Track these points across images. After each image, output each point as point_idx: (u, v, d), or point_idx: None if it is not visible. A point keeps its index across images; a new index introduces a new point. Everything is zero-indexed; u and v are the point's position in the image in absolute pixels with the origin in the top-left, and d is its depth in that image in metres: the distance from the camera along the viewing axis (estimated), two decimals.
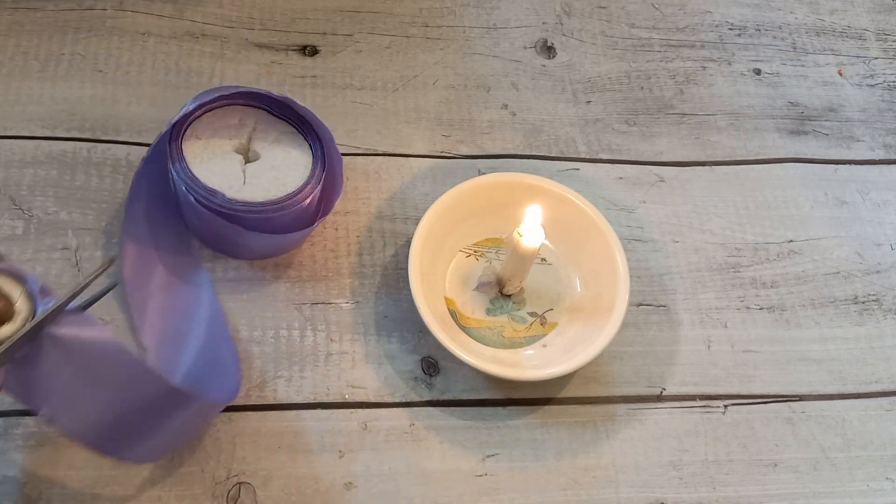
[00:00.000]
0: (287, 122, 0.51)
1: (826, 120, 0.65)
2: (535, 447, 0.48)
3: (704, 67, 0.66)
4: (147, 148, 0.49)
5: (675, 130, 0.62)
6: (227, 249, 0.51)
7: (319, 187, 0.50)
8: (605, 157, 0.60)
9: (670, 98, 0.64)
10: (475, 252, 0.54)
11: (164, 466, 0.44)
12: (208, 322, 0.47)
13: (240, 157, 0.49)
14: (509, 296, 0.52)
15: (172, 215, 0.51)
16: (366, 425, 0.47)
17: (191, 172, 0.47)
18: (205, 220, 0.48)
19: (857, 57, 0.69)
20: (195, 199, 0.47)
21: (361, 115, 0.58)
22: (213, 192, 0.47)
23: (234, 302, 0.50)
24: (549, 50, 0.64)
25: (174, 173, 0.48)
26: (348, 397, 0.48)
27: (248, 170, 0.49)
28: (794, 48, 0.69)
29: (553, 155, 0.59)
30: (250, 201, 0.47)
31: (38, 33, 0.57)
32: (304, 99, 0.58)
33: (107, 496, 0.43)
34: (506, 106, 0.61)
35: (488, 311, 0.52)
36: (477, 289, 0.52)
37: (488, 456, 0.48)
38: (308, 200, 0.49)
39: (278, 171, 0.49)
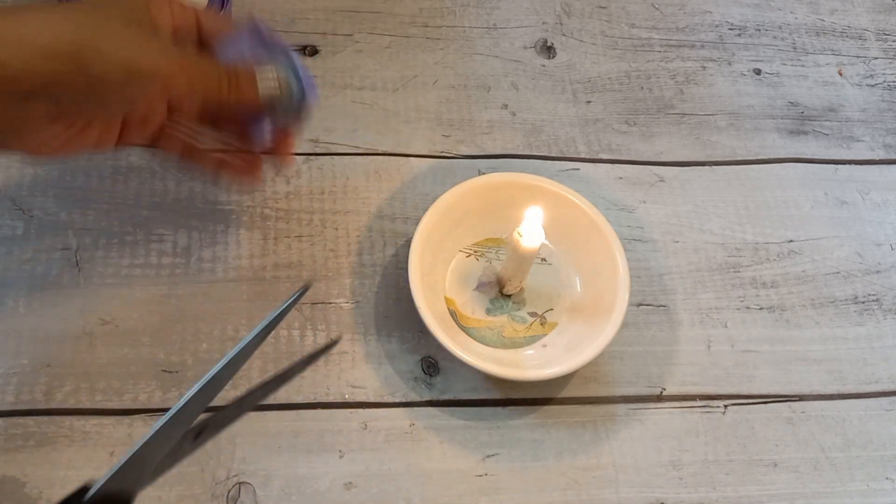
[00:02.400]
0: None
1: (826, 120, 0.65)
2: (535, 447, 0.48)
3: (704, 67, 0.66)
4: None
5: (675, 130, 0.62)
6: None
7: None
8: (605, 157, 0.60)
9: (670, 98, 0.64)
10: (475, 252, 0.54)
11: None
12: None
13: None
14: (509, 296, 0.52)
15: None
16: (366, 425, 0.47)
17: None
18: None
19: (857, 57, 0.69)
20: None
21: (361, 115, 0.58)
22: None
23: (233, 302, 0.50)
24: (549, 50, 0.64)
25: None
26: (348, 397, 0.48)
27: None
28: (794, 48, 0.69)
29: (553, 155, 0.59)
30: None
31: None
32: None
33: None
34: (506, 106, 0.61)
35: (488, 311, 0.52)
36: (477, 289, 0.52)
37: (488, 456, 0.48)
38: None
39: None
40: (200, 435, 0.36)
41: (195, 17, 0.41)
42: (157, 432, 0.33)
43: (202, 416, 0.36)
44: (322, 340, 0.49)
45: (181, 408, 0.34)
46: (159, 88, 0.36)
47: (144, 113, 0.41)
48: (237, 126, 0.44)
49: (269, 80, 0.40)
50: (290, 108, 0.41)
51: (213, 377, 0.34)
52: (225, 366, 0.35)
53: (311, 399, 0.48)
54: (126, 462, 0.32)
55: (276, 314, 0.37)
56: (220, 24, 0.42)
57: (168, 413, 0.33)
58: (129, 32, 0.36)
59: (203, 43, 0.42)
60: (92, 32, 0.34)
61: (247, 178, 0.46)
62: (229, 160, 0.45)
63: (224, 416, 0.37)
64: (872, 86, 0.68)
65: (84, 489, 0.32)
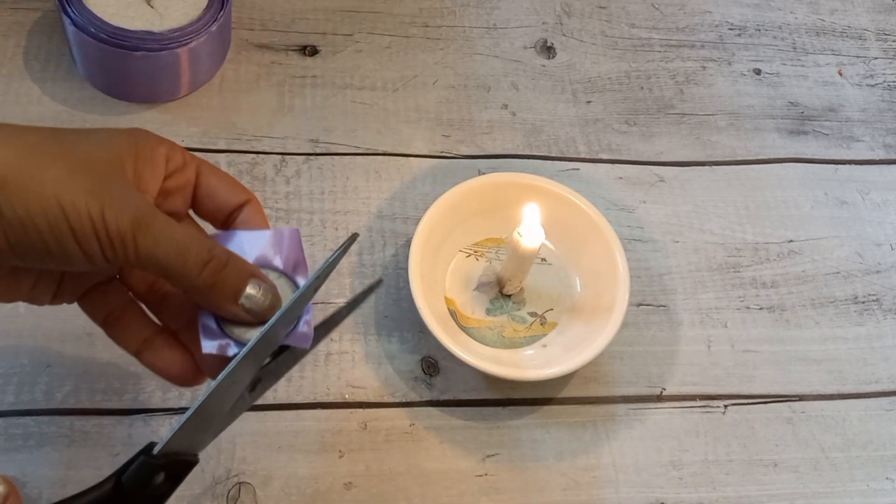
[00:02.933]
0: None
1: (826, 120, 0.65)
2: (535, 447, 0.48)
3: (704, 67, 0.66)
4: None
5: (675, 130, 0.62)
6: (134, 89, 0.55)
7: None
8: (605, 157, 0.60)
9: (670, 98, 0.64)
10: (475, 252, 0.54)
11: None
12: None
13: None
14: (509, 296, 0.52)
15: None
16: (366, 425, 0.47)
17: (86, 8, 0.51)
18: (106, 56, 0.52)
19: (857, 57, 0.69)
20: (95, 36, 0.51)
21: (361, 115, 0.58)
22: (115, 27, 0.51)
23: None
24: (549, 50, 0.64)
25: (69, 17, 0.51)
26: (348, 397, 0.48)
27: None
28: (794, 48, 0.69)
29: (553, 155, 0.59)
30: (152, 31, 0.51)
31: (38, 33, 0.57)
32: (304, 99, 0.58)
33: None
34: (506, 106, 0.61)
35: (488, 311, 0.52)
36: (477, 289, 0.52)
37: (488, 456, 0.48)
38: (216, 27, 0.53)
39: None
40: (256, 387, 0.35)
41: (194, 179, 0.35)
42: (218, 386, 0.31)
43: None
44: (322, 340, 0.49)
45: (239, 362, 0.32)
46: (97, 240, 0.29)
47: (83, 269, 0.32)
48: (184, 318, 0.36)
49: (260, 292, 0.33)
50: (267, 343, 0.33)
51: (269, 331, 0.32)
52: (272, 327, 0.33)
53: (311, 399, 0.48)
54: (190, 417, 0.31)
55: (325, 265, 0.34)
56: (230, 194, 0.35)
57: (227, 367, 0.32)
58: (80, 171, 0.29)
59: (201, 213, 0.36)
60: (25, 164, 0.28)
61: (170, 377, 0.36)
62: (156, 351, 0.36)
63: (278, 367, 0.35)
64: (872, 86, 0.68)
65: (150, 447, 0.32)
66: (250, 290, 0.33)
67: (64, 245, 0.29)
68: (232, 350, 0.33)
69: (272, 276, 0.35)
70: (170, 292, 0.36)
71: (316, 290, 0.34)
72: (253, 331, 0.33)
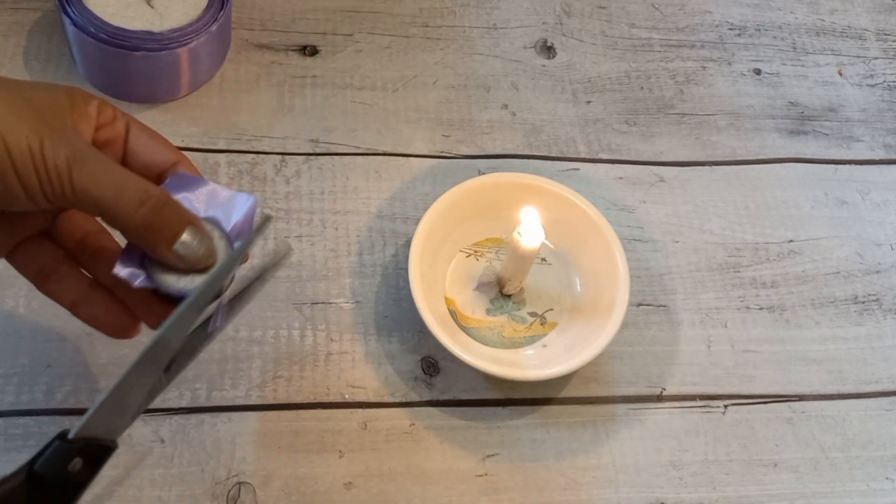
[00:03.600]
0: None
1: (826, 120, 0.65)
2: (535, 447, 0.48)
3: (704, 67, 0.66)
4: None
5: (675, 130, 0.62)
6: (134, 89, 0.55)
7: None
8: (605, 157, 0.60)
9: (670, 98, 0.64)
10: (475, 252, 0.54)
11: (165, 466, 0.44)
12: None
13: None
14: (509, 296, 0.52)
15: None
16: (366, 425, 0.47)
17: (86, 8, 0.51)
18: (106, 56, 0.52)
19: (857, 57, 0.69)
20: (95, 36, 0.51)
21: (361, 115, 0.58)
22: (115, 27, 0.51)
23: None
24: (549, 50, 0.64)
25: (69, 17, 0.51)
26: (348, 397, 0.48)
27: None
28: (794, 48, 0.69)
29: (553, 155, 0.59)
30: (152, 31, 0.52)
31: (38, 33, 0.57)
32: (304, 99, 0.58)
33: (107, 496, 0.43)
34: (506, 106, 0.61)
35: (488, 311, 0.52)
36: (477, 289, 0.52)
37: (488, 456, 0.48)
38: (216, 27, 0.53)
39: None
40: (171, 367, 0.35)
41: (124, 133, 0.35)
42: (129, 373, 0.31)
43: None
44: (322, 340, 0.49)
45: (152, 345, 0.31)
46: (36, 175, 0.30)
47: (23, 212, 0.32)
48: (110, 262, 0.35)
49: (197, 241, 0.33)
50: (194, 298, 0.32)
51: (183, 312, 0.32)
52: (195, 300, 0.32)
53: (311, 399, 0.48)
54: (108, 397, 0.31)
55: (244, 243, 0.34)
56: (160, 152, 0.35)
57: (140, 352, 0.31)
58: (22, 110, 0.30)
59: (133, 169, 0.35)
60: None
61: (106, 329, 0.37)
62: (91, 305, 0.37)
63: (191, 346, 0.35)
64: (872, 86, 0.68)
65: (64, 433, 0.32)
66: (187, 236, 0.33)
67: (6, 181, 0.30)
68: (140, 282, 0.33)
69: (215, 234, 0.34)
70: (101, 246, 0.37)
71: (236, 262, 0.34)
72: (174, 278, 0.33)
